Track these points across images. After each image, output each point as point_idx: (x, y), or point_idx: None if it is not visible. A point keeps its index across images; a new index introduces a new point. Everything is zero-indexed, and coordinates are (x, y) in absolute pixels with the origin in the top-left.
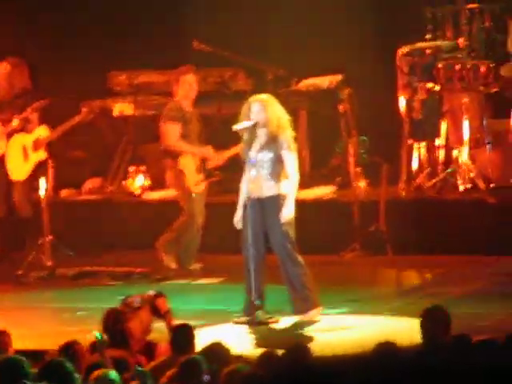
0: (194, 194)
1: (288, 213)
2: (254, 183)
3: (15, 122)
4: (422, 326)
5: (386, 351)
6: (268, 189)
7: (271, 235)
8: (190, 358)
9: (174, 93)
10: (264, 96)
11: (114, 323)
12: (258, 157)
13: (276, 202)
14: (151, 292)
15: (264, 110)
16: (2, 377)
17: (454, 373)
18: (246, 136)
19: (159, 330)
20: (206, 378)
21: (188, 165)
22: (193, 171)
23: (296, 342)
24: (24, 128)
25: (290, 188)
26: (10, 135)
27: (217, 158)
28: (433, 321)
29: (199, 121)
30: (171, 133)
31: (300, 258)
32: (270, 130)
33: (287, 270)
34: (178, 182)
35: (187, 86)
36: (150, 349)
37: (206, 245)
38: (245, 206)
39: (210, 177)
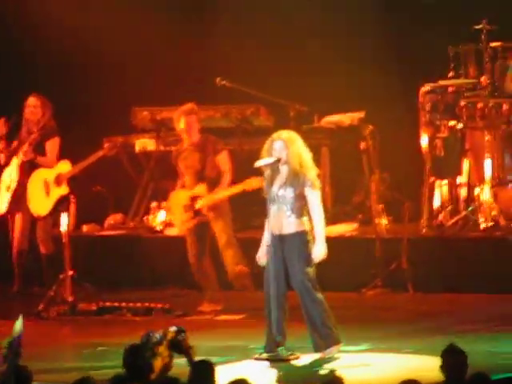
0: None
1: (320, 252)
2: (275, 219)
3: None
4: (442, 364)
5: None
6: (288, 225)
7: (291, 272)
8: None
9: (176, 129)
10: (287, 133)
11: (135, 359)
12: (280, 193)
13: (296, 238)
14: (172, 328)
15: (286, 148)
16: None
17: None
18: (267, 172)
19: (180, 367)
20: None
21: (175, 203)
22: (179, 209)
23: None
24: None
25: (318, 227)
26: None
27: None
28: (452, 359)
29: (204, 153)
30: None
31: (320, 296)
32: (292, 167)
33: (307, 307)
34: None
35: (187, 126)
36: None
37: (226, 281)
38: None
39: (197, 216)
